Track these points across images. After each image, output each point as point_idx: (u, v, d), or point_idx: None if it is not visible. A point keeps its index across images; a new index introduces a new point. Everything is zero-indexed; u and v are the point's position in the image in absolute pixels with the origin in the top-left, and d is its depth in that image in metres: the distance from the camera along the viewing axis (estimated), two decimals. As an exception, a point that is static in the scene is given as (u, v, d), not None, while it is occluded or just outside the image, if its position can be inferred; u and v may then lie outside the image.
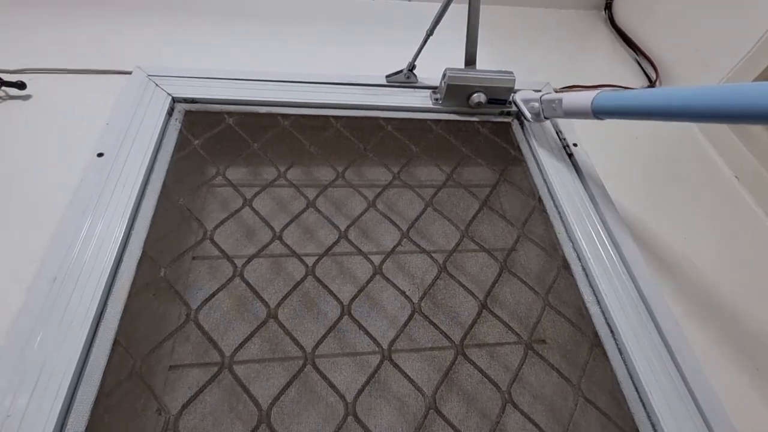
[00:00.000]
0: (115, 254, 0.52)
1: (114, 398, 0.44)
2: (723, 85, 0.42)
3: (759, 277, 0.69)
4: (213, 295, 0.53)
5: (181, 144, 0.67)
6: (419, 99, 0.80)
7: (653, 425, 0.50)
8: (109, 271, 0.51)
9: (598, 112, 0.59)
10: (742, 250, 0.73)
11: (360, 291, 0.56)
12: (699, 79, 0.90)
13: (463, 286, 0.59)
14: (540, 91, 0.85)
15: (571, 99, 0.64)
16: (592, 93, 0.59)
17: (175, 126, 0.69)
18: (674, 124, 0.91)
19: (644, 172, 0.82)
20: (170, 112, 0.70)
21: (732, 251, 0.72)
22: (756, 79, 0.81)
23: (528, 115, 0.75)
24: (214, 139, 0.69)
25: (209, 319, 0.53)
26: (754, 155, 0.82)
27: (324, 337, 0.51)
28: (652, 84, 0.96)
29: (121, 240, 0.54)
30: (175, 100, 0.72)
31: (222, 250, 0.57)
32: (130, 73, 0.75)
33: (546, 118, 0.73)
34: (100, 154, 0.62)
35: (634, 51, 1.01)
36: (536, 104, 0.73)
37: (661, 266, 0.65)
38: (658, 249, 0.68)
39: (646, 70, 0.99)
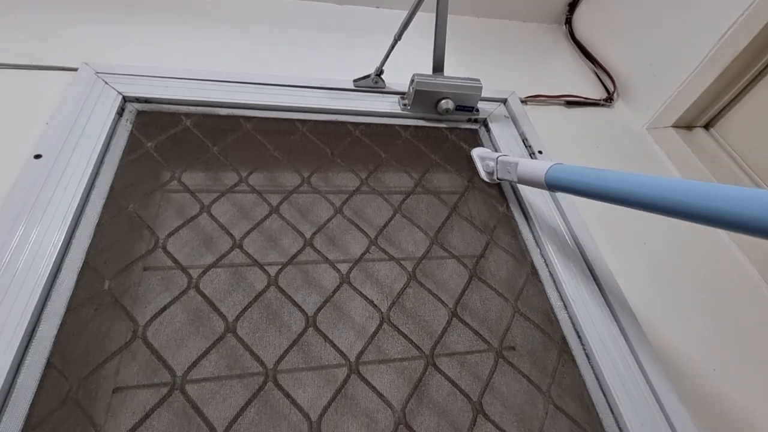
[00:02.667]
0: (51, 264, 0.47)
1: (43, 429, 0.39)
2: (690, 181, 0.38)
3: (711, 278, 0.72)
4: (164, 308, 0.48)
5: (132, 146, 0.63)
6: (387, 104, 0.79)
7: (621, 430, 0.50)
8: (43, 283, 0.46)
9: (552, 186, 0.54)
10: (695, 252, 0.76)
11: (326, 301, 0.54)
12: (653, 92, 0.94)
13: (432, 294, 0.57)
14: (506, 101, 0.86)
15: (526, 166, 0.60)
16: (546, 164, 0.55)
17: (125, 127, 0.64)
18: (630, 132, 0.95)
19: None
20: (120, 112, 0.65)
21: (685, 253, 0.75)
22: (704, 92, 0.85)
23: (482, 173, 0.73)
24: (170, 142, 0.65)
25: (159, 335, 0.49)
26: (704, 165, 0.86)
27: (287, 351, 0.48)
28: (609, 95, 1.00)
29: (60, 249, 0.49)
30: (126, 100, 0.67)
31: (175, 260, 0.52)
32: (76, 70, 0.69)
33: (499, 179, 0.71)
34: (38, 156, 0.56)
35: (593, 63, 1.05)
36: (491, 163, 0.70)
37: (625, 270, 0.67)
38: (617, 251, 0.70)
39: (604, 82, 1.03)
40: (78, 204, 0.53)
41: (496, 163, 0.69)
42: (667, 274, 0.69)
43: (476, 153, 0.76)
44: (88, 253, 0.50)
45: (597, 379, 0.54)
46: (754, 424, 0.55)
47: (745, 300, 0.69)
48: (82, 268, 0.49)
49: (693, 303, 0.66)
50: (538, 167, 0.56)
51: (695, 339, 0.62)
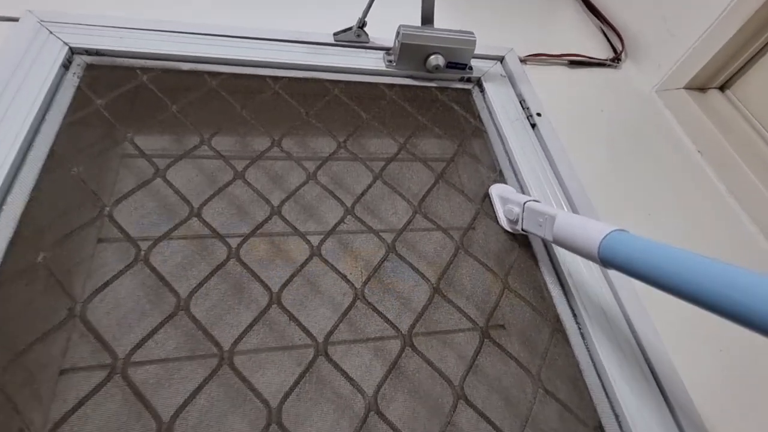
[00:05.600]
0: (-25, 235, 0.42)
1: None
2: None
3: (722, 253, 0.67)
4: (107, 284, 0.43)
5: (79, 103, 0.56)
6: (371, 61, 0.71)
7: (617, 416, 0.46)
8: (-36, 255, 0.40)
9: (609, 262, 0.38)
10: (705, 226, 0.70)
11: (293, 276, 0.48)
12: (664, 50, 0.86)
13: (413, 268, 0.52)
14: (503, 59, 0.78)
15: (569, 225, 0.43)
16: (603, 229, 0.39)
17: (71, 81, 0.57)
18: (638, 95, 0.87)
19: (608, 146, 0.78)
20: (66, 65, 0.58)
21: (695, 227, 0.69)
22: (721, 50, 0.77)
23: (503, 219, 0.57)
24: (123, 99, 0.58)
25: (100, 313, 0.43)
26: (718, 129, 0.79)
27: (246, 331, 0.43)
28: (617, 55, 0.92)
29: (-14, 217, 0.43)
30: (73, 51, 0.59)
31: (122, 229, 0.47)
32: (17, 20, 0.61)
33: (525, 232, 0.54)
34: (-35, 112, 0.50)
35: (600, 20, 0.96)
36: (516, 209, 0.54)
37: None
38: (622, 225, 0.64)
39: (611, 40, 0.94)
40: (11, 166, 0.47)
41: (522, 210, 0.53)
42: (674, 239, 0.64)
43: (495, 191, 0.60)
44: (20, 221, 0.45)
45: (592, 360, 0.49)
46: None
47: None
48: (12, 238, 0.43)
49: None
50: (590, 231, 0.40)
51: (699, 320, 0.57)
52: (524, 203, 0.53)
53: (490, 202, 0.60)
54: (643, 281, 0.35)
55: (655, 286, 0.34)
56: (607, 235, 0.38)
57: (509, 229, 0.57)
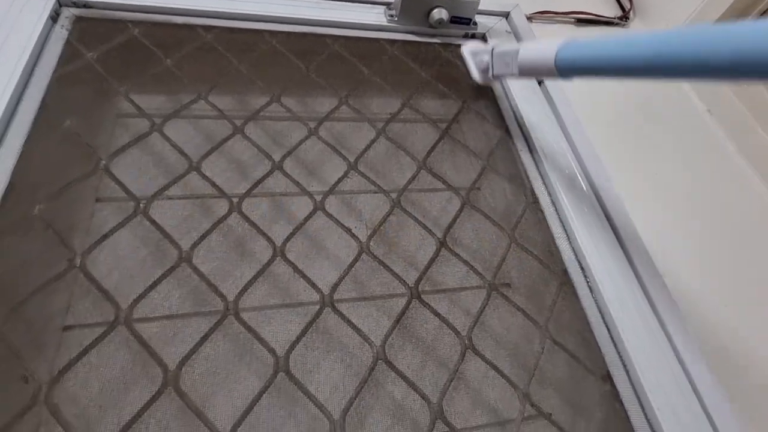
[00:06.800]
0: (-33, 186, 0.40)
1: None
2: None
3: (731, 213, 0.66)
4: (106, 236, 0.42)
5: (69, 57, 0.53)
6: (372, 15, 0.68)
7: (624, 365, 0.46)
8: (-43, 206, 0.39)
9: (566, 69, 0.42)
10: (713, 185, 0.69)
11: (297, 229, 0.47)
12: (674, 5, 0.83)
13: (419, 222, 0.51)
14: (508, 14, 0.75)
15: (529, 52, 0.48)
16: (555, 43, 0.43)
17: (60, 34, 0.55)
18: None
19: (615, 106, 0.76)
20: (54, 17, 0.55)
21: (704, 187, 0.68)
22: (735, 3, 0.75)
23: (475, 72, 0.60)
24: (115, 53, 0.55)
25: (101, 265, 0.42)
26: (729, 87, 0.77)
27: (250, 282, 0.42)
28: (625, 13, 0.89)
29: (-23, 168, 0.41)
30: (60, 3, 0.57)
31: (120, 182, 0.45)
32: (0, -32, 0.58)
33: (496, 77, 0.58)
34: (-50, 63, 0.47)
35: (609, -24, 0.93)
36: (486, 57, 0.57)
37: (633, 200, 0.60)
38: (630, 183, 0.63)
39: (620, -3, 0.91)
40: (1, 117, 0.45)
41: (492, 57, 0.56)
42: (679, 200, 0.63)
43: (467, 49, 0.63)
44: (14, 173, 0.43)
45: (600, 312, 0.49)
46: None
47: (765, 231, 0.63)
48: (6, 190, 0.42)
49: (707, 231, 0.60)
50: (544, 50, 0.44)
51: (708, 271, 0.56)
52: (492, 49, 0.56)
53: (463, 60, 0.62)
54: (607, 75, 0.38)
55: (620, 73, 0.37)
56: (560, 47, 0.42)
57: (482, 82, 0.60)
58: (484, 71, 0.58)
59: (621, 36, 0.36)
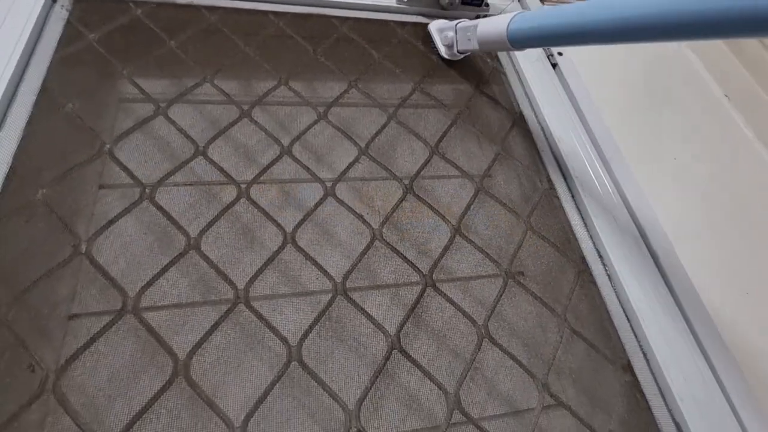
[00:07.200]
0: (-32, 170, 0.39)
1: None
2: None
3: (750, 201, 0.64)
4: (112, 221, 0.41)
5: (70, 38, 0.52)
6: (381, -3, 0.66)
7: (645, 354, 0.44)
8: (-43, 191, 0.38)
9: (516, 40, 0.45)
10: (731, 172, 0.67)
11: (307, 215, 0.46)
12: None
13: (432, 209, 0.49)
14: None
15: (485, 26, 0.51)
16: (508, 16, 0.46)
17: (60, 15, 0.53)
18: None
19: (630, 91, 0.74)
20: (54, -3, 0.54)
21: (722, 173, 0.66)
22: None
23: (441, 49, 0.62)
24: (117, 34, 0.54)
25: (106, 252, 0.41)
26: (748, 71, 0.75)
27: (261, 270, 0.41)
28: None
29: (-22, 152, 0.40)
30: (60, -18, 0.55)
31: (125, 167, 0.44)
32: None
33: (460, 53, 0.60)
34: (-53, 43, 0.46)
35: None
36: (450, 34, 0.59)
37: (650, 187, 0.58)
38: (647, 169, 0.61)
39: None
40: (1, 99, 0.43)
41: (456, 32, 0.58)
42: (697, 187, 0.61)
43: (434, 26, 0.63)
44: (15, 157, 0.42)
45: (620, 300, 0.47)
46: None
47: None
48: (8, 175, 0.40)
49: (725, 218, 0.59)
50: (498, 23, 0.47)
51: (727, 258, 0.55)
52: (456, 24, 0.58)
53: (431, 38, 0.64)
54: (552, 43, 0.46)
55: (563, 41, 0.41)
56: (512, 18, 0.45)
57: (448, 57, 0.62)
58: (449, 47, 0.60)
59: (565, 6, 0.39)
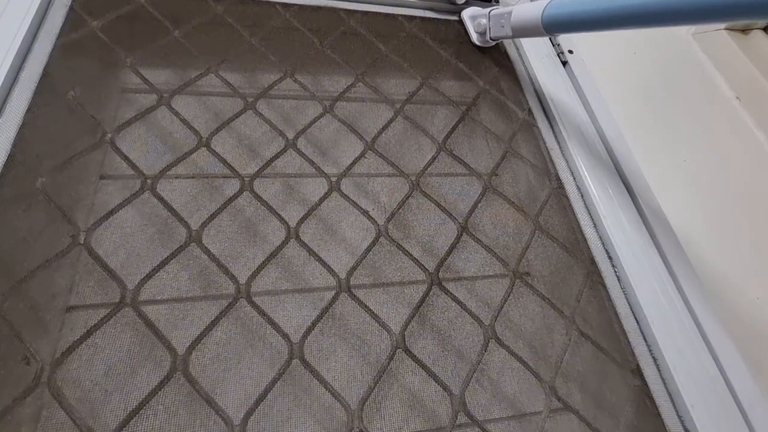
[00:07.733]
0: (-35, 157, 0.38)
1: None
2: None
3: (761, 204, 0.63)
4: (111, 212, 0.40)
5: (72, 25, 0.51)
6: (389, -10, 0.65)
7: (655, 359, 0.43)
8: (-46, 177, 0.37)
9: (551, 25, 0.45)
10: (742, 175, 0.66)
11: (311, 210, 0.45)
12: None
13: (439, 206, 0.48)
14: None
15: (520, 12, 0.51)
16: (543, 1, 0.46)
17: (63, 1, 0.52)
18: (672, 38, 0.81)
19: (641, 91, 0.73)
20: (56, -17, 0.53)
21: (732, 175, 0.65)
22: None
23: (474, 35, 0.62)
24: (121, 22, 0.53)
25: (105, 243, 0.40)
26: (761, 73, 0.74)
27: (263, 265, 0.40)
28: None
29: (-24, 138, 0.39)
30: (63, -32, 0.54)
31: (126, 157, 0.43)
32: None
33: (493, 39, 0.60)
34: (-53, 28, 0.45)
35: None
36: (483, 21, 0.59)
37: (661, 188, 0.57)
38: (658, 170, 0.60)
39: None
40: (1, 85, 0.42)
41: (489, 19, 0.58)
42: (708, 188, 0.60)
43: (467, 13, 0.64)
44: (15, 145, 0.41)
45: (629, 303, 0.46)
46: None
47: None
48: (7, 162, 0.39)
49: (736, 220, 0.57)
50: (533, 9, 0.47)
51: (738, 260, 0.54)
52: (489, 11, 0.58)
53: (464, 26, 0.64)
54: (588, 29, 0.42)
55: (599, 25, 0.40)
56: (547, 4, 0.45)
57: (480, 44, 0.62)
58: (482, 34, 0.61)
59: None
